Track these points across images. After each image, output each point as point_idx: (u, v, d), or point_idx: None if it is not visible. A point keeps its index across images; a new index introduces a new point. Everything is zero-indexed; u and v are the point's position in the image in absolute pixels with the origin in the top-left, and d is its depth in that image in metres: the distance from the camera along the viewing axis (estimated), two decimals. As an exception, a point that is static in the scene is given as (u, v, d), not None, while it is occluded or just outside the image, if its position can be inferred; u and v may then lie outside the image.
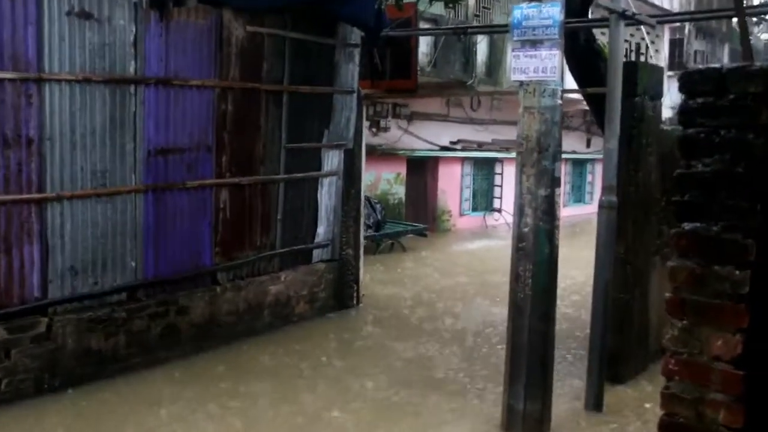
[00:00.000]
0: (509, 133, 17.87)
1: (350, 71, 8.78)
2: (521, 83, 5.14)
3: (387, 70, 9.92)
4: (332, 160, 8.71)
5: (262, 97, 7.66)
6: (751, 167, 2.31)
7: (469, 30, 9.73)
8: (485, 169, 18.55)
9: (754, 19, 26.85)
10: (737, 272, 2.31)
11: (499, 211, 18.43)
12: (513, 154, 17.69)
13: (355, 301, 9.13)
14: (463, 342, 7.83)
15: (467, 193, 17.92)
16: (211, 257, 7.30)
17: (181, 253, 7.00)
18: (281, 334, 7.83)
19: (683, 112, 2.50)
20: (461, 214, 17.78)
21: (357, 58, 8.88)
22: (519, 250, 5.13)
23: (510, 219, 18.05)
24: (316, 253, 8.62)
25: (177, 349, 6.86)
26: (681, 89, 2.55)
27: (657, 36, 19.69)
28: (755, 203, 2.31)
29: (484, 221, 18.28)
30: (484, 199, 18.65)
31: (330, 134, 8.60)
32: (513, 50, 5.15)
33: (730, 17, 10.10)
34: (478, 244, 15.55)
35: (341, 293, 8.93)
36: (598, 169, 22.04)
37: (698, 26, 21.37)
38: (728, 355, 2.35)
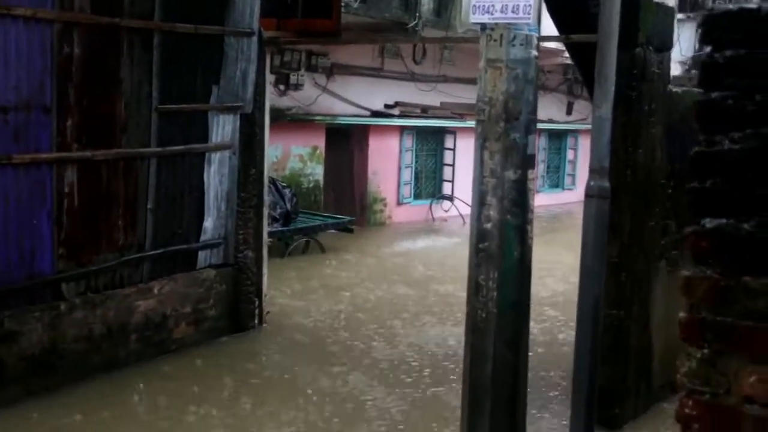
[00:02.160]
0: (465, 95, 18.04)
1: (248, 5, 8.65)
2: (483, 27, 5.10)
3: (299, 5, 9.81)
4: (224, 128, 8.58)
5: (123, 37, 7.45)
6: (797, 145, 2.33)
7: None
8: (432, 142, 18.68)
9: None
10: (776, 285, 2.34)
11: (451, 199, 18.61)
12: (469, 123, 18.00)
13: (257, 321, 9.08)
14: (403, 377, 7.83)
15: (408, 174, 18.04)
16: (52, 262, 7.10)
17: (7, 255, 6.75)
18: (154, 366, 7.70)
19: (705, 69, 2.50)
20: (399, 203, 17.89)
21: (258, -11, 8.77)
22: (479, 253, 5.10)
23: (465, 210, 18.29)
24: (203, 256, 8.52)
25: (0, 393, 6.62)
26: (703, 38, 2.55)
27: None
28: (800, 193, 2.33)
29: (430, 212, 18.42)
30: (430, 183, 18.81)
31: (220, 92, 8.47)
32: (474, -21, 5.12)
33: None
34: (423, 243, 15.67)
35: (238, 310, 8.86)
36: (582, 143, 22.56)
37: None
38: (765, 396, 2.38)
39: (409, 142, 17.93)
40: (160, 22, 7.75)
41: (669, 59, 6.85)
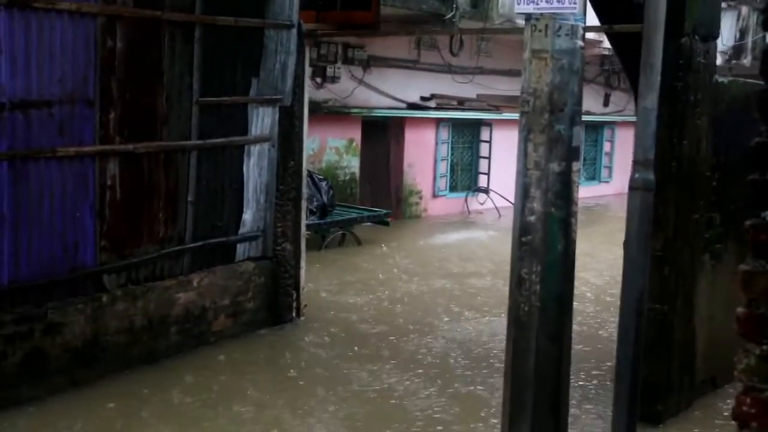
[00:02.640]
0: (502, 87, 17.96)
1: (288, -3, 8.67)
2: (528, 17, 5.05)
3: (338, -4, 9.81)
4: (263, 120, 8.59)
5: (165, 30, 7.48)
6: None
7: None
8: (468, 134, 18.63)
9: None
10: (839, 278, 2.29)
11: (487, 191, 18.56)
12: (506, 115, 17.94)
13: (294, 314, 9.10)
14: (442, 371, 7.81)
15: (443, 167, 18.01)
16: (95, 254, 7.14)
17: (51, 248, 6.81)
18: (193, 358, 7.73)
19: (767, 57, 2.45)
20: (435, 196, 17.86)
21: (298, -20, 8.77)
22: (523, 246, 5.07)
23: (501, 203, 18.24)
24: (242, 249, 8.54)
25: (45, 384, 6.68)
26: (765, 24, 2.50)
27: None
28: None
29: (465, 205, 18.38)
30: (466, 176, 18.76)
31: (260, 85, 8.49)
32: (518, -30, 5.07)
33: None
34: (459, 236, 15.62)
35: (276, 303, 8.88)
36: (619, 135, 22.36)
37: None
38: (826, 394, 2.33)
39: (445, 134, 17.88)
40: (201, 15, 7.79)
41: (715, 49, 6.76)
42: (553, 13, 4.97)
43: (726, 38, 18.89)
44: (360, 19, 9.82)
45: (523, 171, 5.09)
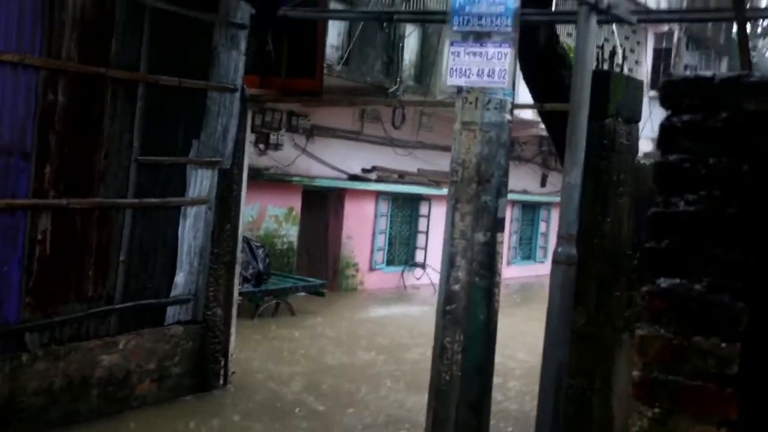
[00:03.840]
0: (441, 162, 18.22)
1: (233, 61, 8.79)
2: (459, 89, 5.25)
3: (283, 63, 9.95)
4: (201, 182, 8.62)
5: (107, 86, 7.56)
6: (746, 209, 2.43)
7: (396, 16, 9.83)
8: (407, 208, 18.81)
9: (759, 28, 28.63)
10: (724, 345, 2.41)
11: (423, 266, 18.64)
12: (445, 190, 18.11)
13: (221, 381, 9.00)
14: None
15: (381, 240, 18.11)
16: (18, 310, 7.06)
17: (-26, 301, 6.72)
18: (114, 423, 7.60)
19: (664, 132, 2.61)
20: (372, 269, 17.91)
21: (243, 45, 8.90)
22: (446, 315, 5.18)
23: (437, 278, 18.34)
24: (171, 312, 8.49)
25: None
26: (662, 102, 2.67)
27: (638, 43, 20.64)
28: (749, 256, 2.42)
29: (402, 279, 18.44)
30: (403, 250, 18.87)
31: (200, 146, 8.55)
32: (452, 44, 5.27)
33: (729, 19, 10.68)
34: (394, 311, 15.68)
35: (203, 369, 8.80)
36: (555, 216, 22.73)
37: (690, 34, 22.56)
38: (712, 455, 2.44)
39: (384, 207, 18.03)
40: (146, 74, 7.86)
41: (637, 131, 7.03)
42: (483, 87, 5.18)
43: (655, 125, 19.53)
44: (304, 87, 9.96)
45: (449, 240, 5.22)
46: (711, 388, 2.41)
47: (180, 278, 8.50)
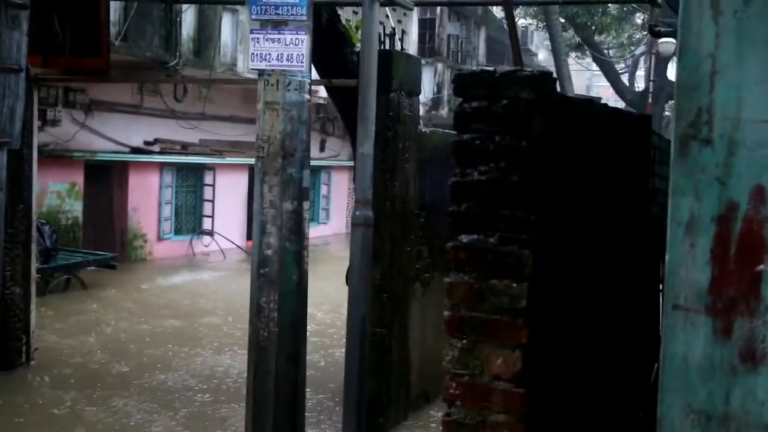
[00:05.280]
0: (225, 132, 18.43)
1: (15, 42, 8.56)
2: (261, 73, 5.62)
3: (66, 42, 9.81)
4: (-10, 164, 8.46)
5: None
6: (526, 176, 3.02)
7: None
8: (191, 178, 18.86)
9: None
10: (514, 285, 3.01)
11: (211, 234, 18.84)
12: (229, 160, 18.38)
13: (24, 359, 8.90)
14: (181, 401, 8.07)
15: (168, 210, 18.10)
16: None
17: None
18: None
19: (458, 116, 3.17)
20: (160, 239, 17.90)
21: (25, 25, 8.73)
22: (261, 277, 5.58)
23: (225, 245, 18.62)
24: (-33, 294, 8.30)
25: None
26: (455, 91, 3.22)
27: (404, 14, 21.63)
28: (530, 214, 3.02)
29: (191, 247, 18.55)
30: (190, 219, 18.95)
31: (-13, 128, 8.36)
32: (252, 31, 5.61)
33: (498, 4, 11.55)
34: (186, 278, 15.81)
35: (5, 347, 8.67)
36: (336, 179, 23.49)
37: (452, 7, 23.96)
38: (508, 373, 3.03)
39: (169, 178, 17.98)
40: None
41: (418, 103, 7.67)
42: (284, 70, 5.58)
43: (426, 92, 20.70)
44: (91, 66, 9.85)
45: (259, 210, 5.62)
46: (506, 320, 3.02)
47: (-26, 260, 8.35)
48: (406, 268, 7.36)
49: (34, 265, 9.30)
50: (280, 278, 5.53)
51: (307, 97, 5.68)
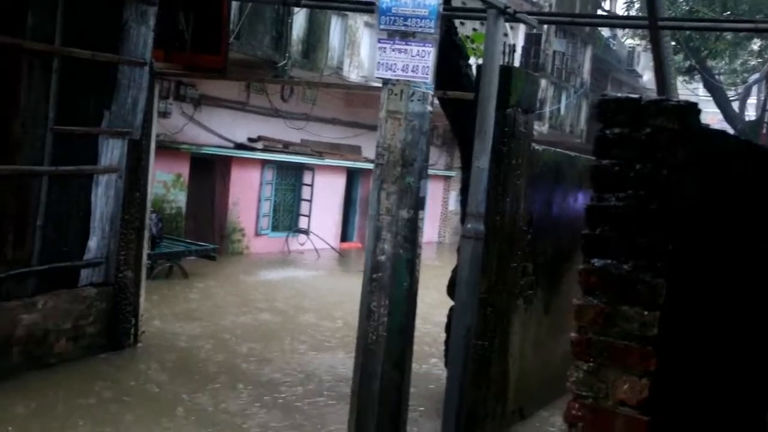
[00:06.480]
0: (325, 134, 18.66)
1: (142, 37, 8.94)
2: (386, 82, 5.70)
3: (188, 39, 10.10)
4: (112, 152, 8.78)
5: (24, 58, 7.64)
6: (665, 205, 3.02)
7: (302, 2, 9.99)
8: (291, 177, 19.15)
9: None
10: (646, 313, 3.01)
11: (307, 233, 19.11)
12: (328, 161, 18.60)
13: (132, 340, 9.23)
14: (280, 394, 8.22)
15: (267, 206, 18.43)
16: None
17: None
18: (33, 380, 7.73)
19: (598, 142, 3.19)
20: (257, 234, 18.23)
21: (152, 21, 9.06)
22: (373, 282, 5.65)
23: (319, 244, 18.85)
24: (85, 274, 8.63)
25: None
26: (598, 117, 3.24)
27: (511, 28, 21.54)
28: (667, 243, 3.02)
29: (286, 245, 18.84)
30: (287, 217, 19.24)
31: (112, 117, 8.68)
32: (379, 41, 5.70)
33: (640, 26, 10.95)
34: (281, 275, 16.07)
35: (116, 328, 8.99)
36: (432, 188, 23.47)
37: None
38: (634, 400, 3.03)
39: (269, 175, 18.32)
40: (60, 47, 7.95)
41: (533, 120, 7.67)
42: (408, 81, 5.66)
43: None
44: (208, 63, 10.16)
45: (375, 216, 5.69)
46: (635, 347, 3.02)
47: (93, 243, 8.65)
48: (510, 284, 7.35)
49: (146, 251, 9.60)
50: (391, 284, 5.59)
51: (429, 108, 5.73)
